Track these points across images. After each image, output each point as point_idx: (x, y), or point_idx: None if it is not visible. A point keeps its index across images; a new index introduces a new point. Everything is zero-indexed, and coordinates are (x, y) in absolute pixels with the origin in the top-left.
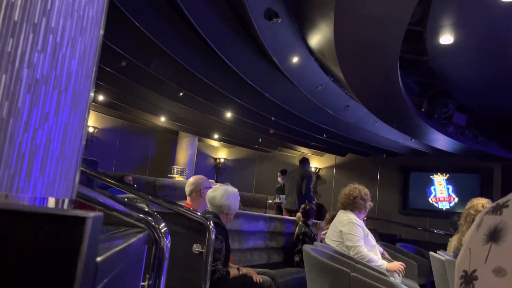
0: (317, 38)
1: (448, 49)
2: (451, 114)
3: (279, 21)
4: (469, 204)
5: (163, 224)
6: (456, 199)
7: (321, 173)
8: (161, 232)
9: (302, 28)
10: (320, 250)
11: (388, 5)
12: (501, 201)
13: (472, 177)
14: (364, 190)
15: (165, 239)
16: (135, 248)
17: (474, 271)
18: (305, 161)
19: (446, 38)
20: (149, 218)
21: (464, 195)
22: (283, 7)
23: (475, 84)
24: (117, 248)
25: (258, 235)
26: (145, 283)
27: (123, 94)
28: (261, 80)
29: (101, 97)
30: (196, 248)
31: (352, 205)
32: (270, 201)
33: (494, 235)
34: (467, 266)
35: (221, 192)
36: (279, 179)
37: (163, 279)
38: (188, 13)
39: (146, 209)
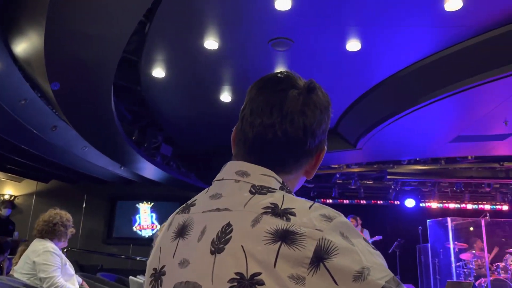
0: (24, 46)
1: (160, 83)
2: (159, 145)
3: None
4: None
5: None
6: (158, 226)
7: (17, 201)
8: None
9: (7, 32)
10: (6, 283)
11: (105, 25)
12: (190, 201)
13: (173, 205)
14: (66, 216)
15: None
16: None
17: (163, 266)
18: None
19: (158, 72)
20: None
21: (164, 222)
22: None
23: (180, 119)
24: None
25: None
26: None
27: None
28: None
29: None
30: None
31: (51, 232)
32: None
33: (181, 231)
34: (157, 264)
35: None
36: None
37: None
38: None
39: None
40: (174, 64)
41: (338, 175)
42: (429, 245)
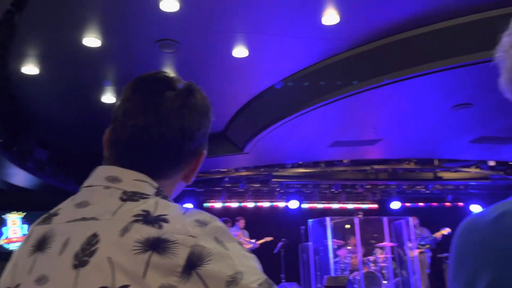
0: None
1: (33, 80)
2: (32, 148)
3: None
4: None
5: None
6: None
7: None
8: None
9: None
10: None
11: None
12: (52, 210)
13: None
14: None
15: None
16: None
17: (18, 285)
18: None
19: (31, 68)
20: None
21: None
22: None
23: (58, 121)
24: None
25: None
26: None
27: None
28: None
29: None
30: None
31: None
32: None
33: (40, 244)
34: (10, 282)
35: None
36: None
37: None
38: None
39: None
40: (50, 61)
41: (227, 179)
42: (309, 243)
